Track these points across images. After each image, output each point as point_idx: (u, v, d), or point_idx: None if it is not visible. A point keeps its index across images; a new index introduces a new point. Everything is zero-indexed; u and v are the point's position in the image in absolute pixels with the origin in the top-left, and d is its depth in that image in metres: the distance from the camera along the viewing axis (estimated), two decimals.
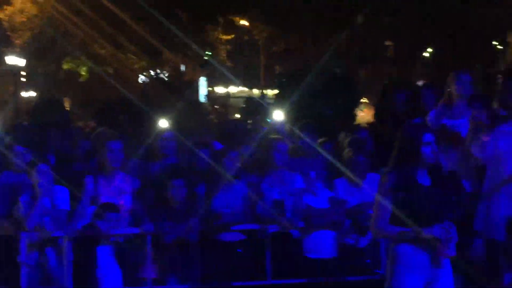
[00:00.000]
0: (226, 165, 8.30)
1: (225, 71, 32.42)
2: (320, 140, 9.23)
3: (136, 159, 8.83)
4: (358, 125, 13.16)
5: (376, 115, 11.70)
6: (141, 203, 8.19)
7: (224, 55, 33.84)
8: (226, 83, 36.98)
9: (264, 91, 33.52)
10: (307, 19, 32.26)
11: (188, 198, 8.17)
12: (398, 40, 36.13)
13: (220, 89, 37.64)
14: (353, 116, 18.07)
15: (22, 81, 31.96)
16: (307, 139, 9.23)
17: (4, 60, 29.79)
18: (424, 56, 38.09)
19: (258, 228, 8.12)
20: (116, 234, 7.89)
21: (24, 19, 28.31)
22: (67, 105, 23.15)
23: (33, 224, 7.72)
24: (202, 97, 31.87)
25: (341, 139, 9.32)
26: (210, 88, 35.34)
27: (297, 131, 10.06)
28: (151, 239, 7.85)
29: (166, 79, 31.71)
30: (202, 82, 33.52)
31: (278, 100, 18.60)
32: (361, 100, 22.93)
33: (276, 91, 22.98)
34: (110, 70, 29.87)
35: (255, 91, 35.68)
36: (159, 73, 32.57)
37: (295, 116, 12.77)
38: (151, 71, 32.61)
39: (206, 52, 32.73)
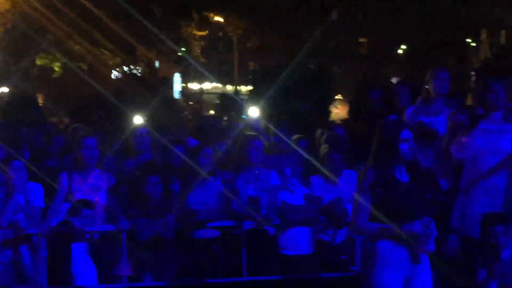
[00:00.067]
0: (201, 161, 8.28)
1: (199, 67, 32.36)
2: (295, 137, 9.24)
3: (111, 156, 8.80)
4: (333, 122, 13.20)
5: (350, 112, 11.76)
6: (116, 200, 8.16)
7: (198, 51, 33.77)
8: (200, 80, 36.92)
9: (238, 88, 33.51)
10: (281, 16, 32.29)
11: (164, 195, 8.14)
12: (372, 37, 36.29)
13: (194, 86, 37.57)
14: (328, 113, 18.12)
15: None
16: (282, 136, 9.24)
17: None
18: (398, 53, 38.27)
19: (233, 225, 8.12)
20: (91, 231, 7.86)
21: None
22: (40, 101, 23.00)
23: (7, 221, 7.66)
24: (176, 94, 31.79)
25: (317, 135, 9.34)
26: (184, 84, 35.26)
27: (272, 128, 10.08)
28: (126, 236, 7.82)
29: (140, 75, 31.58)
30: (177, 78, 33.44)
31: (252, 97, 18.60)
32: (335, 97, 22.94)
33: (250, 88, 22.97)
34: (84, 66, 29.72)
35: (229, 88, 35.66)
36: (133, 69, 32.43)
37: (270, 112, 12.79)
38: (125, 67, 32.47)
39: (181, 48, 32.65)
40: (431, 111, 8.23)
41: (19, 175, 7.82)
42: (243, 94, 27.50)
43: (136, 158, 8.93)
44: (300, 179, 8.52)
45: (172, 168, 8.72)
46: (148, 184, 8.04)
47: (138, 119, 10.39)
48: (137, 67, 32.47)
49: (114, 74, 32.84)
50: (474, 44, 34.47)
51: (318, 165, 8.39)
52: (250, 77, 24.03)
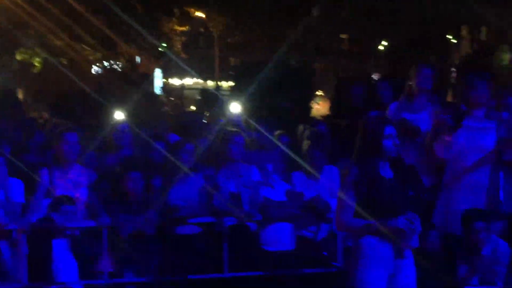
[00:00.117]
0: (182, 157, 8.26)
1: (180, 63, 32.27)
2: (276, 133, 9.23)
3: (92, 151, 8.77)
4: (314, 118, 13.20)
5: (331, 108, 11.77)
6: (97, 195, 8.13)
7: (179, 46, 33.67)
8: (181, 75, 36.83)
9: (220, 83, 33.45)
10: (262, 12, 32.26)
11: (145, 191, 8.12)
12: (353, 33, 36.32)
13: (175, 81, 37.48)
14: (309, 109, 18.12)
15: None
16: (264, 132, 9.23)
17: None
18: (378, 49, 38.33)
19: (215, 221, 8.11)
20: (72, 227, 7.81)
21: None
22: (20, 96, 22.88)
23: None
24: (157, 89, 31.69)
25: (299, 131, 9.34)
26: (165, 80, 35.17)
27: (253, 124, 10.06)
28: (107, 232, 7.79)
29: (121, 70, 31.47)
30: (157, 73, 33.33)
31: (234, 92, 18.56)
32: (317, 93, 22.95)
33: (231, 83, 22.93)
34: (65, 61, 29.56)
35: (210, 83, 35.61)
36: (113, 65, 32.31)
37: (251, 108, 12.76)
38: (105, 62, 32.34)
39: (162, 44, 32.56)
40: (414, 107, 8.25)
41: None
42: (224, 90, 27.46)
43: (117, 154, 8.91)
44: (282, 175, 8.52)
45: (153, 164, 8.69)
46: (129, 180, 8.02)
47: (119, 115, 10.35)
48: (118, 63, 32.35)
49: (95, 69, 32.71)
50: (454, 41, 34.60)
51: (300, 161, 8.39)
52: (231, 72, 23.98)
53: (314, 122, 10.04)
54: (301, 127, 9.45)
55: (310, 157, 8.45)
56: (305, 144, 8.61)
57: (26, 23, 27.16)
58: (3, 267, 7.67)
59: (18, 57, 30.98)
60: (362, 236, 5.71)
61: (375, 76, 21.84)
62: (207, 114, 13.27)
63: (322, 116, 11.37)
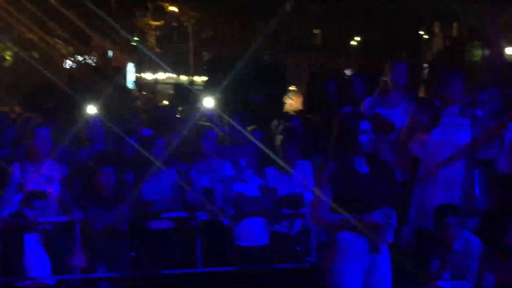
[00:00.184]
0: (154, 152, 8.23)
1: (153, 57, 32.20)
2: (250, 128, 9.23)
3: (64, 146, 8.71)
4: (287, 112, 13.20)
5: (305, 103, 11.78)
6: (69, 190, 8.08)
7: (153, 41, 33.62)
8: (155, 69, 36.74)
9: (193, 78, 33.40)
10: (235, 6, 32.24)
11: (118, 186, 8.09)
12: (326, 28, 36.40)
13: (148, 75, 37.38)
14: (282, 104, 18.15)
15: None
16: (237, 127, 9.22)
17: None
18: (351, 44, 38.43)
19: (188, 216, 8.10)
20: (44, 222, 7.77)
21: None
22: None
23: None
24: (130, 83, 31.57)
25: (273, 126, 9.34)
26: (138, 74, 35.07)
27: (227, 118, 10.05)
28: (80, 227, 7.75)
29: (93, 64, 31.34)
30: (130, 68, 33.22)
31: (207, 87, 18.53)
32: (290, 88, 22.97)
33: (204, 78, 22.89)
34: (37, 55, 29.39)
35: (184, 78, 35.54)
36: (86, 59, 32.16)
37: (224, 103, 12.74)
38: (78, 56, 32.19)
39: (134, 38, 32.46)
40: (388, 103, 8.28)
41: None
42: (198, 84, 27.41)
43: (89, 149, 8.86)
44: (255, 170, 8.51)
45: (125, 159, 8.66)
46: (102, 174, 7.98)
47: (91, 109, 10.30)
48: (91, 57, 32.21)
49: (67, 63, 32.54)
50: (427, 37, 34.76)
51: (273, 155, 8.39)
52: (204, 67, 23.96)
53: (288, 117, 10.04)
54: (275, 122, 9.45)
55: (283, 152, 8.45)
56: (278, 139, 8.61)
57: None
58: None
59: None
60: (339, 231, 5.72)
61: (348, 72, 21.88)
62: (181, 109, 13.24)
63: (295, 111, 11.37)
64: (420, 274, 7.15)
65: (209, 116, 10.83)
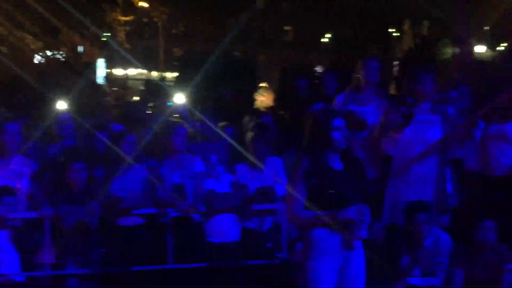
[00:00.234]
0: (124, 148, 8.19)
1: (123, 53, 32.05)
2: (221, 124, 9.22)
3: (34, 141, 8.66)
4: (257, 109, 13.23)
5: (276, 99, 11.81)
6: (39, 186, 8.02)
7: (123, 36, 33.46)
8: (125, 65, 36.58)
9: (164, 74, 33.31)
10: (206, 2, 32.19)
11: (88, 182, 8.04)
12: (297, 25, 36.44)
13: (119, 71, 37.21)
14: (253, 100, 18.18)
15: None
16: (208, 123, 9.22)
17: None
18: (322, 41, 38.51)
19: (159, 212, 8.07)
20: (13, 218, 7.71)
21: None
22: None
23: None
24: (100, 79, 31.43)
25: (245, 122, 9.34)
26: (108, 70, 34.89)
27: (198, 114, 10.04)
28: (50, 223, 7.70)
29: (63, 59, 31.14)
30: (100, 63, 33.04)
31: (178, 83, 18.52)
32: (261, 84, 23.00)
33: (175, 74, 22.86)
34: (6, 50, 29.13)
35: (154, 74, 35.43)
36: (56, 54, 31.94)
37: (196, 99, 12.74)
38: (47, 51, 31.96)
39: (104, 34, 32.30)
40: (361, 100, 8.30)
41: None
42: (168, 81, 27.34)
43: (59, 144, 8.81)
44: (226, 167, 8.51)
45: (96, 155, 8.62)
46: (72, 170, 7.93)
47: (61, 105, 10.24)
48: (61, 52, 32.00)
49: (37, 58, 32.30)
50: (397, 34, 34.90)
51: (244, 152, 8.39)
52: (175, 63, 23.93)
53: (259, 113, 10.05)
54: (246, 118, 9.45)
55: (254, 148, 8.45)
56: (249, 135, 8.62)
57: None
58: None
59: None
60: (313, 228, 5.73)
61: (319, 68, 21.93)
62: (151, 105, 13.22)
63: (266, 108, 11.39)
64: (391, 270, 7.18)
65: (180, 112, 10.81)
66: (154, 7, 34.08)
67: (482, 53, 27.61)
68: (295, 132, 9.11)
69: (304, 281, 5.77)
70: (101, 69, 32.47)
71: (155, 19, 35.07)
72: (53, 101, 10.48)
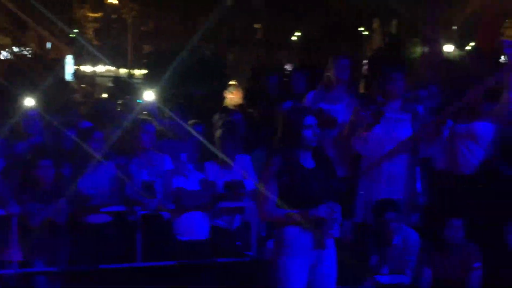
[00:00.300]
0: (92, 145, 8.14)
1: (92, 50, 31.92)
2: (191, 122, 9.20)
3: (1, 139, 8.58)
4: (227, 107, 13.22)
5: (245, 97, 11.78)
6: (6, 183, 7.94)
7: (92, 33, 33.30)
8: (94, 62, 36.41)
9: (132, 71, 33.20)
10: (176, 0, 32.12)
11: (56, 179, 7.98)
12: (267, 23, 36.45)
13: (87, 68, 37.03)
14: (223, 98, 18.15)
15: None
16: (178, 120, 9.19)
17: None
18: (292, 40, 38.55)
19: (127, 210, 8.03)
20: None
21: None
22: None
23: None
24: (68, 76, 31.25)
25: (215, 120, 9.33)
26: (76, 67, 34.70)
27: (167, 112, 10.01)
28: (17, 220, 7.63)
29: (31, 56, 30.92)
30: (69, 60, 32.86)
31: (147, 80, 18.46)
32: (230, 82, 23.00)
33: (144, 71, 22.77)
34: None
35: (123, 71, 35.32)
36: (23, 50, 31.71)
37: (165, 97, 12.69)
38: (15, 47, 31.72)
39: (73, 30, 32.13)
40: (331, 98, 8.31)
41: None
42: (137, 78, 27.26)
43: (27, 141, 8.73)
44: (196, 165, 8.49)
45: (63, 152, 8.56)
46: (39, 168, 7.85)
47: (28, 101, 10.15)
48: (28, 48, 31.77)
49: (4, 54, 32.05)
50: (366, 33, 35.04)
51: (214, 149, 8.38)
52: (144, 60, 23.83)
53: (228, 111, 10.03)
54: (216, 116, 9.43)
55: (222, 146, 8.44)
56: (218, 133, 8.61)
57: None
58: None
59: None
60: (284, 226, 5.73)
61: (289, 66, 21.94)
62: (120, 102, 13.16)
63: (236, 106, 11.37)
64: (360, 268, 7.20)
65: (149, 109, 10.77)
66: (123, 4, 33.96)
67: (451, 52, 27.78)
68: (265, 130, 9.12)
69: (275, 279, 5.77)
70: (69, 66, 32.28)
71: (124, 16, 34.95)
72: (20, 97, 10.37)
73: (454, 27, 28.73)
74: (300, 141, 5.77)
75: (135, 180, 8.16)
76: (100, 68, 37.35)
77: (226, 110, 10.29)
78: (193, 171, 8.36)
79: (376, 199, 7.50)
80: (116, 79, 24.91)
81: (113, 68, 35.08)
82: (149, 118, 10.04)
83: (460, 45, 29.15)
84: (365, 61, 20.99)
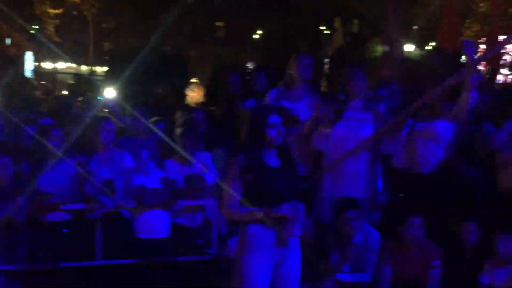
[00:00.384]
0: (51, 142, 8.08)
1: (52, 46, 31.68)
2: (152, 119, 9.17)
3: None
4: (187, 104, 13.20)
5: (207, 95, 11.78)
6: None
7: (52, 29, 33.05)
8: (54, 59, 36.14)
9: (93, 68, 33.04)
10: None
11: (14, 177, 7.91)
12: (229, 21, 36.47)
13: (47, 65, 36.75)
14: (184, 96, 18.12)
15: None
16: (140, 118, 9.15)
17: None
18: (253, 38, 38.60)
19: (87, 208, 7.98)
20: None
21: None
22: None
23: None
24: (28, 72, 30.98)
25: (176, 118, 9.31)
26: (37, 63, 34.42)
27: (129, 109, 9.97)
28: None
29: None
30: (28, 56, 32.58)
31: (108, 78, 18.38)
32: (191, 80, 22.97)
33: (105, 68, 22.68)
34: None
35: (84, 68, 35.12)
36: None
37: (126, 94, 12.64)
38: None
39: (33, 26, 31.86)
40: (293, 96, 8.32)
41: None
42: (98, 75, 27.13)
43: None
44: (157, 162, 8.46)
45: (22, 149, 8.49)
46: None
47: None
48: None
49: None
50: (328, 32, 35.16)
51: (175, 147, 8.36)
52: (106, 57, 23.74)
53: (190, 109, 10.02)
54: (178, 114, 9.41)
55: (183, 144, 8.43)
56: (178, 131, 8.60)
57: None
58: None
59: None
60: (247, 224, 5.73)
61: (250, 65, 21.97)
62: (80, 99, 13.08)
63: (197, 103, 11.36)
64: (321, 266, 7.23)
65: (110, 107, 10.72)
66: (84, 0, 33.75)
67: (411, 52, 27.97)
68: (226, 128, 9.13)
69: (238, 277, 5.77)
70: (29, 62, 32.02)
71: (85, 13, 34.74)
72: None
73: (415, 27, 28.95)
74: (265, 140, 5.77)
75: (95, 178, 8.11)
76: (61, 65, 37.09)
77: (187, 108, 10.27)
78: (154, 168, 8.32)
79: (336, 197, 7.53)
80: (77, 76, 24.75)
81: (74, 65, 34.86)
82: (110, 115, 9.99)
83: (420, 45, 29.37)
84: (326, 60, 21.08)
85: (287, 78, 8.42)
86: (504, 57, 15.41)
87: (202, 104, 11.17)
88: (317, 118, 7.82)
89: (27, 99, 14.04)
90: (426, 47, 28.71)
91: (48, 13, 32.70)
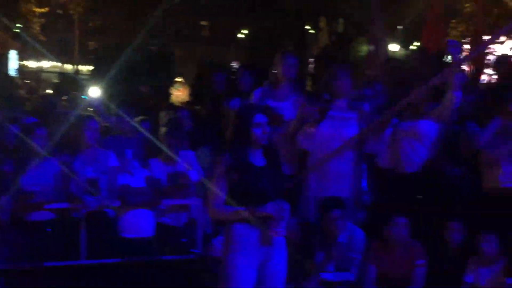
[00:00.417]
0: (35, 141, 8.05)
1: (37, 45, 31.56)
2: (137, 119, 9.15)
3: None
4: (172, 104, 13.19)
5: (192, 94, 11.77)
6: None
7: (38, 28, 32.93)
8: (39, 57, 36.02)
9: (78, 67, 32.94)
10: None
11: None
12: (213, 20, 36.47)
13: (32, 63, 36.62)
14: (169, 95, 18.10)
15: None
16: (125, 117, 9.14)
17: None
18: (238, 37, 38.60)
19: (72, 207, 7.96)
20: None
21: None
22: None
23: None
24: (12, 71, 30.86)
25: (161, 117, 9.30)
26: (21, 62, 34.29)
27: (113, 109, 9.95)
28: None
29: None
30: (12, 55, 32.45)
31: (93, 77, 18.33)
32: (176, 79, 22.94)
33: (90, 67, 22.60)
34: None
35: (69, 67, 35.02)
36: None
37: (111, 93, 12.61)
38: None
39: (17, 25, 31.73)
40: (278, 95, 8.32)
41: None
42: (83, 74, 27.05)
43: None
44: (141, 161, 8.45)
45: (6, 148, 8.46)
46: None
47: None
48: None
49: None
50: (313, 31, 35.20)
51: (161, 146, 8.35)
52: (91, 56, 23.68)
53: (174, 108, 10.01)
54: (163, 113, 9.40)
55: (167, 143, 8.42)
56: (162, 130, 8.59)
57: None
58: None
59: None
60: (233, 223, 5.73)
61: (235, 64, 21.97)
62: (65, 98, 13.04)
63: (182, 103, 11.35)
64: (306, 265, 7.23)
65: (95, 106, 10.69)
66: None
67: (396, 51, 28.04)
68: (211, 127, 9.12)
69: (223, 276, 5.78)
70: (13, 61, 31.89)
71: (70, 12, 34.64)
72: None
73: (400, 27, 29.02)
74: (250, 139, 5.78)
75: (80, 177, 8.09)
76: (46, 64, 36.96)
77: (172, 107, 10.26)
78: (139, 168, 8.32)
79: (321, 197, 7.54)
80: (62, 75, 24.68)
81: (59, 64, 34.75)
82: (95, 114, 9.97)
83: (405, 45, 29.44)
84: (311, 59, 21.10)
85: (272, 77, 8.42)
86: (488, 57, 15.47)
87: (187, 103, 11.16)
88: (302, 117, 7.82)
89: (11, 98, 13.99)
90: (411, 47, 28.80)
91: (34, 11, 32.58)
